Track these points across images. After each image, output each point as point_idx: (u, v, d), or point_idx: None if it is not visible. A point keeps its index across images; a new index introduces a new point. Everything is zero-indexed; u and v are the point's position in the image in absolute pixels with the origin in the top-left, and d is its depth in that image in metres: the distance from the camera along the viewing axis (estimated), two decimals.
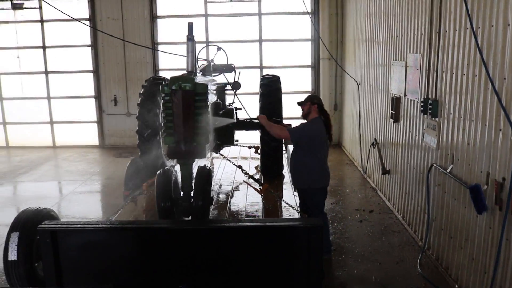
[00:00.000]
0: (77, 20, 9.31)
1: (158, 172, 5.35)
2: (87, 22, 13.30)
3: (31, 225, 4.46)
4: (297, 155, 5.95)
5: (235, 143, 7.84)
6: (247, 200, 6.80)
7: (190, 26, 5.47)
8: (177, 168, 5.50)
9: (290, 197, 6.72)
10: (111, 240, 4.44)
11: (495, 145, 4.46)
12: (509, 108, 4.19)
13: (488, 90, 4.57)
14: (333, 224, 7.22)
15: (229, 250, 4.16)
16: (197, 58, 7.90)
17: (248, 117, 7.36)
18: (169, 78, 5.06)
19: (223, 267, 4.15)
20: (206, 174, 5.36)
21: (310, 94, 6.15)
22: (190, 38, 5.45)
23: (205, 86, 5.19)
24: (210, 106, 5.80)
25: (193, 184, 5.28)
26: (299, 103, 6.12)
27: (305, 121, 6.09)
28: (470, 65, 4.98)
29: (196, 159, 5.53)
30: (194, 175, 5.38)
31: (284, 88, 11.29)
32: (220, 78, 8.05)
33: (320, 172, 5.90)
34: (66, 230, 4.40)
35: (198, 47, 8.27)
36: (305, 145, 5.83)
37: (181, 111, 5.01)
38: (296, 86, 13.33)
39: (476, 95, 4.85)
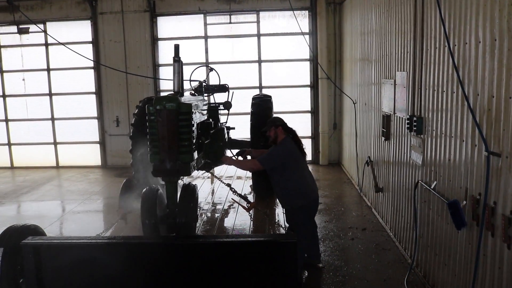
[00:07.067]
0: (81, 55, 9.64)
1: (144, 190, 5.45)
2: (90, 46, 13.61)
3: (16, 241, 4.50)
4: (274, 179, 5.92)
5: None
6: (237, 218, 6.87)
7: (176, 48, 5.64)
8: None
9: (279, 214, 6.77)
10: (95, 256, 4.51)
11: (472, 161, 4.50)
12: (483, 124, 4.24)
13: (465, 107, 4.62)
14: (325, 242, 7.23)
15: (208, 265, 4.22)
16: (191, 79, 8.08)
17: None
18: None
19: (202, 280, 4.21)
20: (190, 191, 5.45)
21: (270, 119, 6.14)
22: (177, 59, 5.63)
23: (189, 106, 5.31)
24: (197, 126, 5.92)
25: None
26: (263, 131, 6.13)
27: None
28: (449, 82, 5.05)
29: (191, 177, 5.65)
30: None
31: (283, 108, 11.31)
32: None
33: (298, 191, 5.87)
34: (49, 246, 4.49)
35: (191, 68, 8.47)
36: (279, 168, 5.82)
37: (165, 130, 5.15)
38: (296, 106, 13.45)
39: (455, 112, 4.90)
